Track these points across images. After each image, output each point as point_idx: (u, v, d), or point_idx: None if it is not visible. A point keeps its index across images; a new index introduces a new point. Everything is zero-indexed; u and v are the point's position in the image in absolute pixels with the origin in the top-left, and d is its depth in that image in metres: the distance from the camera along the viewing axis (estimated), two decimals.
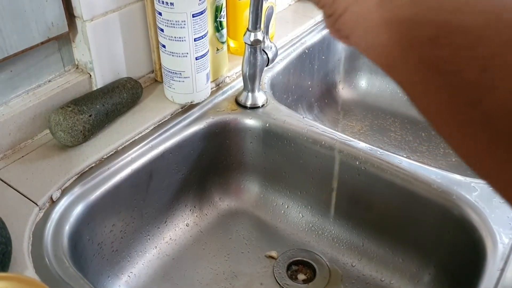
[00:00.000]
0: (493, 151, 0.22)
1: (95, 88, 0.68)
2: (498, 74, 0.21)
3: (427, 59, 0.24)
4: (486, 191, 0.60)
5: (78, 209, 0.58)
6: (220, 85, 0.78)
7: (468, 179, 0.62)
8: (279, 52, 0.80)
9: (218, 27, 0.72)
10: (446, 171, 0.63)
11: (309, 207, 0.75)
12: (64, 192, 0.58)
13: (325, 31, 0.96)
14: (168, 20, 0.63)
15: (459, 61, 0.23)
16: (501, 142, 0.22)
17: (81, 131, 0.61)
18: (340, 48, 1.00)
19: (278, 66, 0.85)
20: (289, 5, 1.00)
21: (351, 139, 0.69)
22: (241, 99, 0.76)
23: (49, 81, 0.65)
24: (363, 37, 0.30)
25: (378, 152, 0.66)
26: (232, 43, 0.83)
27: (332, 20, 0.34)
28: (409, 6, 0.26)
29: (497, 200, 0.59)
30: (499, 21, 0.22)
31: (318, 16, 0.96)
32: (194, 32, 0.65)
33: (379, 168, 0.66)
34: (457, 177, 0.62)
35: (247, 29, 0.69)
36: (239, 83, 0.79)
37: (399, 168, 0.64)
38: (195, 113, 0.73)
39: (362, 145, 0.68)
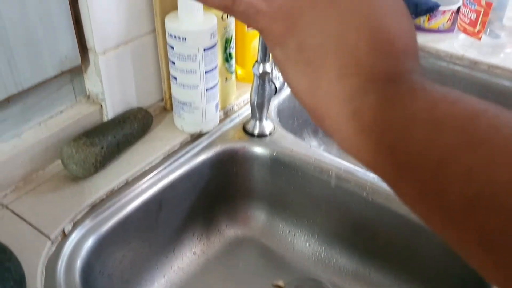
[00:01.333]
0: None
1: (106, 119, 0.69)
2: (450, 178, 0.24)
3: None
4: None
5: (90, 242, 0.58)
6: (228, 112, 0.79)
7: None
8: None
9: (227, 58, 0.73)
10: None
11: (316, 236, 0.75)
12: (76, 225, 0.59)
13: None
14: (180, 54, 0.64)
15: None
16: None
17: (93, 163, 0.62)
18: None
19: (284, 92, 0.86)
20: None
21: (358, 169, 0.70)
22: (249, 127, 0.76)
23: (61, 112, 0.66)
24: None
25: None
26: (239, 70, 0.84)
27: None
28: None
29: None
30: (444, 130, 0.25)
31: None
32: (205, 65, 0.66)
33: (386, 198, 0.67)
34: None
35: (256, 60, 0.70)
36: (247, 110, 0.80)
37: None
38: (204, 141, 0.73)
39: (369, 175, 0.68)
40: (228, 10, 0.30)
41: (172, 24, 0.63)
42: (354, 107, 0.27)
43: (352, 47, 0.28)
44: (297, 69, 0.29)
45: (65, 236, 0.58)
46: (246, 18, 0.30)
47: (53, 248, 0.56)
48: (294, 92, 0.30)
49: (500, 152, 0.23)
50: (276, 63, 0.30)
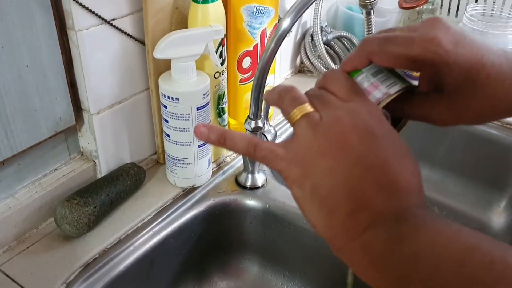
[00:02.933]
0: None
1: (99, 175, 0.69)
2: None
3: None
4: None
5: None
6: (220, 165, 0.80)
7: None
8: (277, 128, 0.82)
9: (220, 113, 0.75)
10: None
11: None
12: (69, 287, 0.59)
13: None
14: (173, 113, 0.66)
15: None
16: None
17: (86, 223, 0.62)
18: None
19: (276, 142, 0.87)
20: (285, 79, 1.03)
21: None
22: (241, 179, 0.77)
23: (55, 169, 0.67)
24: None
25: None
26: (232, 122, 0.85)
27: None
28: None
29: None
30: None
31: None
32: (198, 123, 0.67)
33: None
34: None
35: (248, 116, 0.71)
36: (239, 162, 0.81)
37: None
38: (196, 195, 0.74)
39: None
40: (250, 155, 0.35)
41: (165, 85, 0.65)
42: (365, 241, 0.31)
43: (360, 190, 0.32)
44: (313, 206, 0.33)
45: None
46: (267, 161, 0.35)
47: None
48: (312, 225, 0.34)
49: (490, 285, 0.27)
50: (295, 199, 0.35)
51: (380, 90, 0.38)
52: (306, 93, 0.37)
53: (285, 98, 0.36)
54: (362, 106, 0.35)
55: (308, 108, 0.35)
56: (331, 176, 0.32)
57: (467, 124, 0.40)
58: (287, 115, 0.36)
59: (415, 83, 0.40)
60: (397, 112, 0.39)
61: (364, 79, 0.38)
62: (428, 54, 0.36)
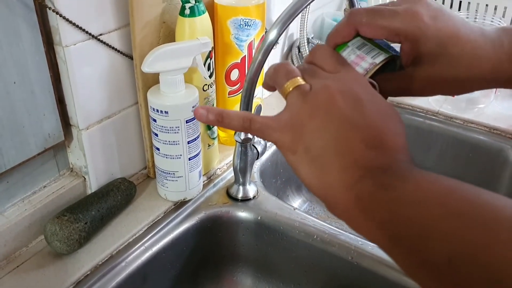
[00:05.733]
0: None
1: (89, 191, 0.69)
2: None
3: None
4: None
5: None
6: (211, 177, 0.80)
7: None
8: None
9: (209, 125, 0.75)
10: None
11: None
12: None
13: None
14: (162, 126, 0.65)
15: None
16: None
17: (77, 240, 0.61)
18: None
19: (266, 153, 0.87)
20: None
21: (342, 232, 0.71)
22: (232, 191, 0.77)
23: (44, 186, 0.66)
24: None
25: (369, 247, 0.68)
26: (221, 134, 0.85)
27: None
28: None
29: None
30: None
31: None
32: (187, 135, 0.67)
33: (371, 262, 0.67)
34: None
35: None
36: (229, 174, 0.81)
37: (392, 263, 0.66)
38: (188, 209, 0.74)
39: (353, 238, 0.69)
40: (246, 130, 0.38)
41: (154, 98, 0.65)
42: (356, 193, 0.33)
43: (349, 148, 0.34)
44: (307, 167, 0.35)
45: None
46: (262, 134, 0.38)
47: None
48: (308, 187, 0.36)
49: (474, 219, 0.29)
50: (290, 165, 0.37)
51: (366, 61, 0.41)
52: (297, 67, 0.40)
53: (279, 72, 0.39)
54: (348, 75, 0.38)
55: (300, 80, 0.38)
56: (320, 137, 0.35)
57: (443, 94, 0.45)
58: (280, 88, 0.39)
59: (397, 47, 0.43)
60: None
61: (351, 52, 0.41)
62: (409, 27, 0.39)
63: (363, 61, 0.41)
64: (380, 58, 0.41)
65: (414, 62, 0.41)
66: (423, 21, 0.39)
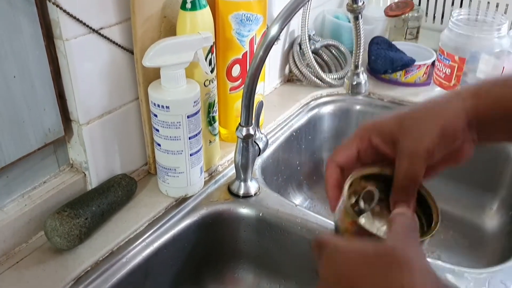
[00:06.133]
0: None
1: (89, 187, 0.68)
2: None
3: None
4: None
5: None
6: (212, 174, 0.79)
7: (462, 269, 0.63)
8: (268, 136, 0.82)
9: (210, 121, 0.74)
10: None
11: None
12: None
13: (311, 113, 0.99)
14: (163, 122, 0.65)
15: None
16: None
17: (77, 235, 0.61)
18: (326, 127, 1.03)
19: (267, 151, 0.87)
20: (275, 88, 1.03)
21: None
22: (234, 188, 0.77)
23: (44, 182, 0.66)
24: None
25: None
26: (223, 131, 0.85)
27: None
28: None
29: None
30: None
31: (303, 99, 0.99)
32: (189, 131, 0.66)
33: None
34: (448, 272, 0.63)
35: (240, 124, 0.71)
36: (231, 171, 0.81)
37: None
38: (189, 205, 0.73)
39: None
40: None
41: (155, 93, 0.64)
42: None
43: None
44: None
45: None
46: None
47: None
48: None
49: None
50: None
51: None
52: None
53: None
54: None
55: None
56: None
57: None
58: None
59: None
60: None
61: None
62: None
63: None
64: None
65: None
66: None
